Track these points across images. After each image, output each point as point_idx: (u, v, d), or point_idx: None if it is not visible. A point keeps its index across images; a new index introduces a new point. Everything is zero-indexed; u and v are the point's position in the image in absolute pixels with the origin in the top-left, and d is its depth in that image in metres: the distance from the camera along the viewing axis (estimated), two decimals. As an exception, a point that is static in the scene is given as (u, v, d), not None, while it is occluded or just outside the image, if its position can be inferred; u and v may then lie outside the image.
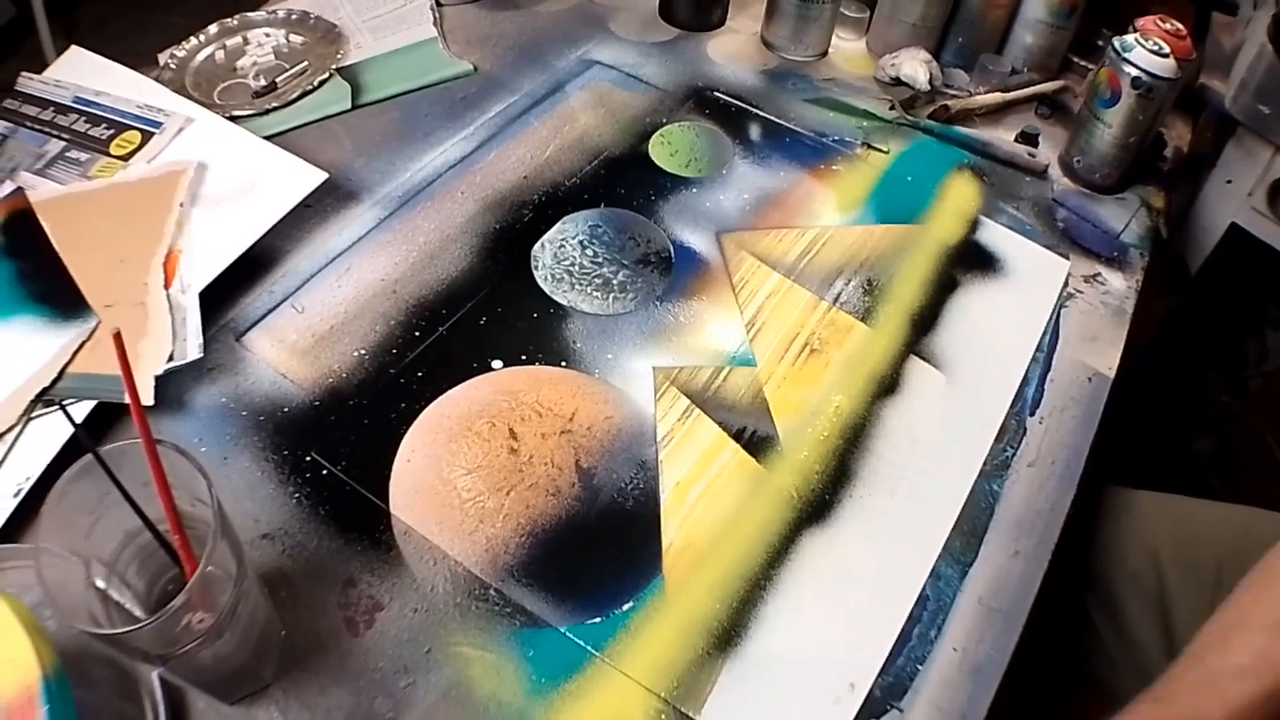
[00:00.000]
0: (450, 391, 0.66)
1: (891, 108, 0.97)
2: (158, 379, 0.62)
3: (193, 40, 0.93)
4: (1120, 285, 0.82)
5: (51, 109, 0.82)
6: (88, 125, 0.80)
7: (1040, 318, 0.77)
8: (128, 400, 0.42)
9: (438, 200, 0.81)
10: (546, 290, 0.75)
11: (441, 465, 0.62)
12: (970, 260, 0.82)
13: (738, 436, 0.66)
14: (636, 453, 0.65)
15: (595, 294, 0.75)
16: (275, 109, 0.87)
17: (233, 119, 0.83)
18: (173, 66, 0.91)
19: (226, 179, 0.76)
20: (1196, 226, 1.00)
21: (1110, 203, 0.91)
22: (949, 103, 0.96)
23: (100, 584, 0.45)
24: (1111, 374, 0.74)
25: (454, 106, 0.91)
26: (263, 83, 0.90)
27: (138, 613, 0.46)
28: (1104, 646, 0.78)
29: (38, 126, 0.80)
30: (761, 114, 0.95)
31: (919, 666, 0.56)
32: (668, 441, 0.65)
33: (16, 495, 0.56)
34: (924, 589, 0.60)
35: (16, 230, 0.70)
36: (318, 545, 0.58)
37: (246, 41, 0.95)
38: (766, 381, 0.70)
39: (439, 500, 0.60)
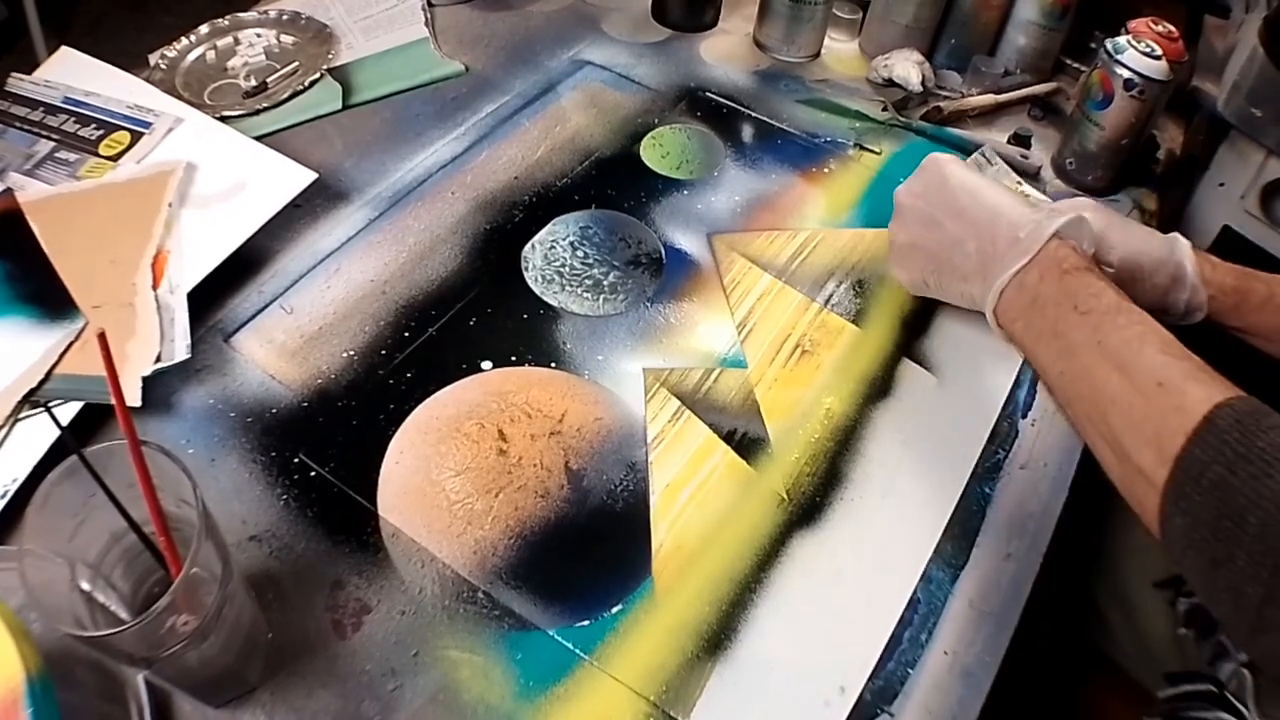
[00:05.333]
0: (439, 393, 0.66)
1: (884, 109, 0.97)
2: (145, 380, 0.62)
3: (183, 40, 0.93)
4: (1112, 287, 0.82)
5: (41, 109, 0.81)
6: (77, 125, 0.80)
7: (1032, 319, 0.77)
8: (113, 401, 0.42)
9: (428, 201, 0.81)
10: (537, 291, 0.74)
11: (430, 467, 0.62)
12: (962, 262, 0.81)
13: (728, 438, 0.66)
14: (626, 454, 0.64)
15: (586, 295, 0.74)
16: (266, 109, 0.87)
17: (223, 119, 0.83)
18: (163, 67, 0.90)
19: (216, 179, 0.75)
20: (1189, 229, 1.00)
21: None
22: (942, 104, 0.96)
23: (85, 586, 0.45)
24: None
25: (445, 107, 0.91)
26: (253, 83, 0.89)
27: (123, 615, 0.46)
28: (1110, 627, 0.78)
29: (27, 127, 0.80)
30: (754, 115, 0.95)
31: (910, 670, 0.56)
32: (658, 443, 0.65)
33: (3, 497, 0.56)
34: (915, 592, 0.60)
35: (5, 231, 0.70)
36: (305, 547, 0.57)
37: (237, 42, 0.95)
38: (757, 383, 0.70)
39: (427, 502, 0.60)
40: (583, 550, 0.59)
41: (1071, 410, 0.57)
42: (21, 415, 0.60)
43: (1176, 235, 0.70)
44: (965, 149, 0.93)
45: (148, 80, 0.86)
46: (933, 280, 0.71)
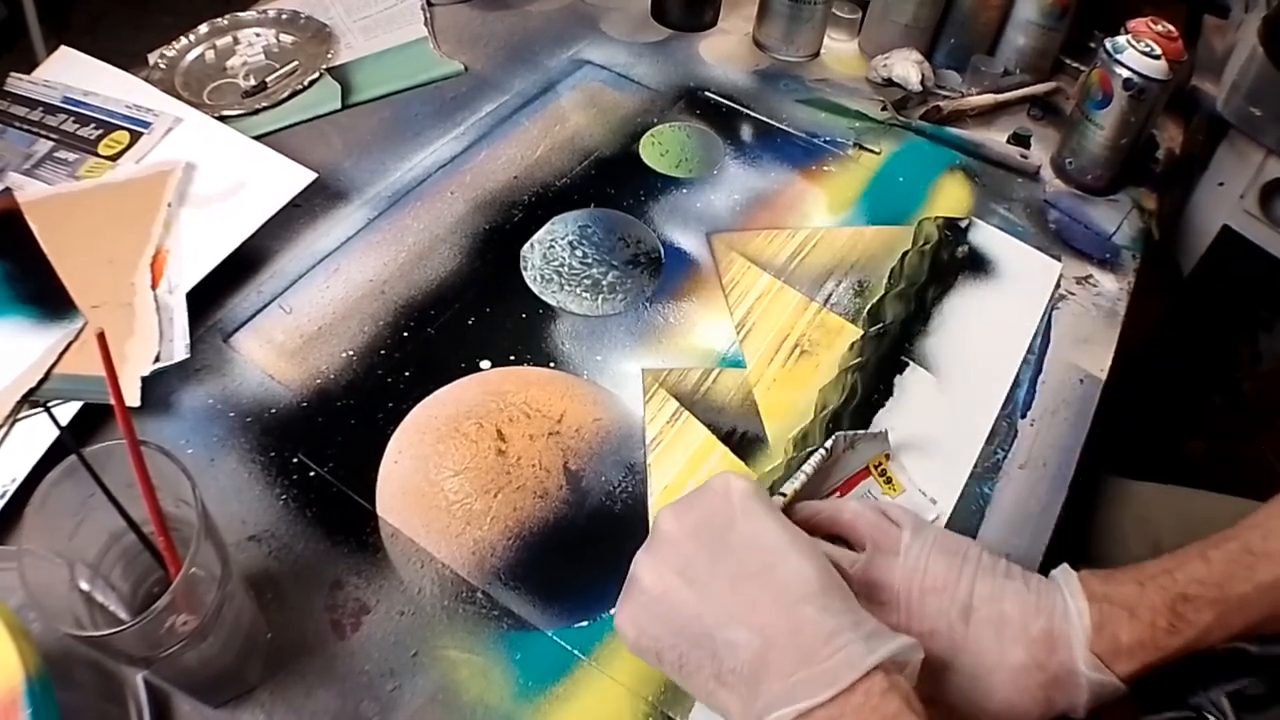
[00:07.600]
0: (438, 392, 0.66)
1: (883, 108, 0.97)
2: (144, 380, 0.62)
3: (183, 40, 0.93)
4: (1112, 287, 0.82)
5: (40, 109, 0.81)
6: (76, 125, 0.80)
7: (1032, 319, 0.77)
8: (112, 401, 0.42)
9: (427, 200, 0.81)
10: (535, 291, 0.74)
11: (429, 467, 0.62)
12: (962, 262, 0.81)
13: (727, 439, 0.66)
14: (625, 455, 0.64)
15: (584, 295, 0.74)
16: (265, 109, 0.87)
17: (222, 119, 0.83)
18: (162, 66, 0.90)
19: (215, 179, 0.75)
20: (1188, 228, 1.00)
21: (1102, 204, 0.91)
22: (941, 104, 0.96)
23: (84, 586, 0.45)
24: (1103, 376, 0.74)
25: (444, 106, 0.91)
26: (253, 82, 0.89)
27: (122, 615, 0.46)
28: None
29: (26, 127, 0.80)
30: (753, 114, 0.95)
31: (908, 669, 0.56)
32: (656, 444, 0.65)
33: (2, 497, 0.56)
34: (913, 591, 0.59)
35: (4, 231, 0.70)
36: (304, 547, 0.58)
37: (237, 41, 0.94)
38: (756, 383, 0.70)
39: (426, 502, 0.60)
40: (581, 551, 0.59)
41: None
42: (21, 415, 0.60)
43: (1056, 603, 0.49)
44: (964, 149, 0.93)
45: (147, 80, 0.86)
46: (671, 658, 0.47)
